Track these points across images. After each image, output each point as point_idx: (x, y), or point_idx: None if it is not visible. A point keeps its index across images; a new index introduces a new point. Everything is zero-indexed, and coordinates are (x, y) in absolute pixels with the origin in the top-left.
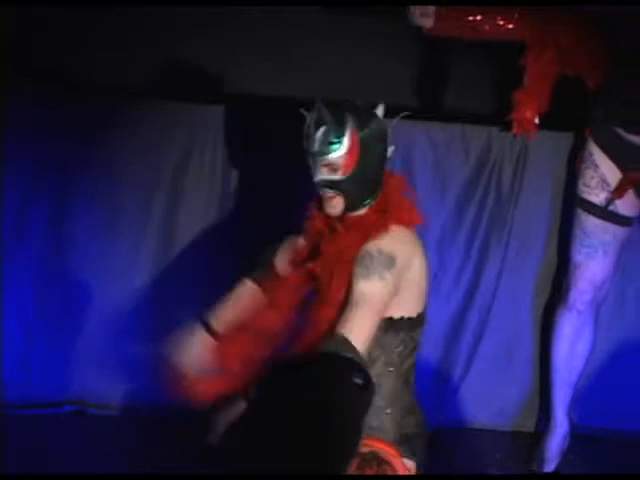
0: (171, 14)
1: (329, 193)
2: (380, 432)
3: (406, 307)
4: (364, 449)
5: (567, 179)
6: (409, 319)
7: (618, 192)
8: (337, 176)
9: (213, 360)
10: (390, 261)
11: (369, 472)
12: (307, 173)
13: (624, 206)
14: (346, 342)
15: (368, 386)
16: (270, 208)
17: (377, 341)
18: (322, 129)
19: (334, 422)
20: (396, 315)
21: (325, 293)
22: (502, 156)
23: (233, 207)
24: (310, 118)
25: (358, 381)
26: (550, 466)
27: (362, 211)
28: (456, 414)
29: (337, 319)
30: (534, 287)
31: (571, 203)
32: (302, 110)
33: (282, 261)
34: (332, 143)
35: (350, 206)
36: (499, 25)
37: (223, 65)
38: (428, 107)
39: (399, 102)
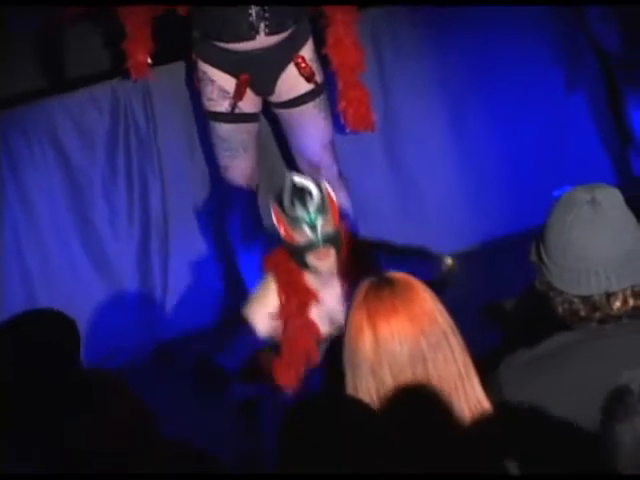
0: None
1: (324, 249)
2: None
3: None
4: None
5: (193, 101)
6: None
7: (237, 96)
8: (332, 230)
9: None
10: None
11: None
12: None
13: (247, 105)
14: None
15: None
16: None
17: None
18: (309, 194)
19: None
20: None
21: None
22: (130, 101)
23: None
24: (287, 193)
25: None
26: None
27: None
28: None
29: None
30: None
31: (204, 119)
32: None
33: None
34: (323, 202)
35: (338, 256)
36: None
37: None
38: (58, 83)
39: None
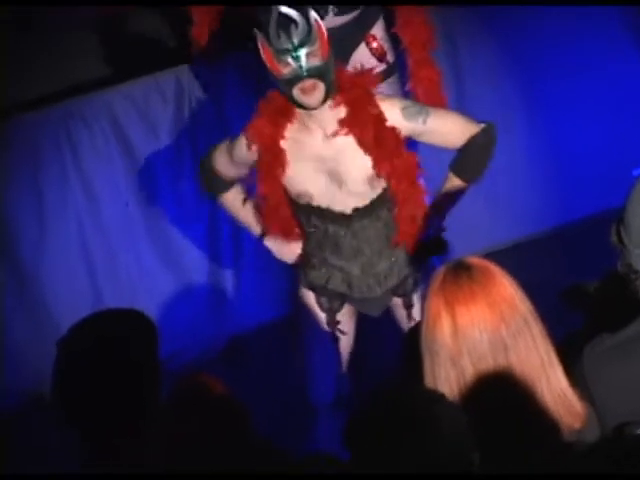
0: None
1: (310, 82)
2: None
3: None
4: None
5: (260, 87)
6: None
7: None
8: (318, 62)
9: None
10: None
11: None
12: None
13: None
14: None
15: None
16: None
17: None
18: (294, 24)
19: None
20: None
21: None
22: (195, 89)
23: None
24: (272, 23)
25: None
26: None
27: (332, 102)
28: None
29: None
30: None
31: None
32: (255, 30)
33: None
34: (309, 32)
35: (328, 93)
36: None
37: None
38: (121, 71)
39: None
